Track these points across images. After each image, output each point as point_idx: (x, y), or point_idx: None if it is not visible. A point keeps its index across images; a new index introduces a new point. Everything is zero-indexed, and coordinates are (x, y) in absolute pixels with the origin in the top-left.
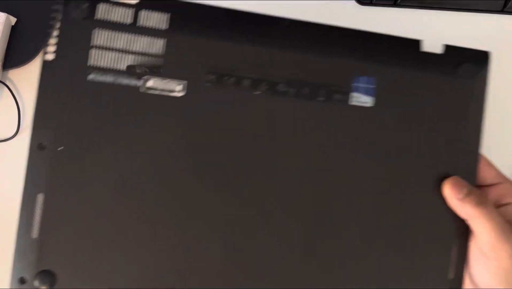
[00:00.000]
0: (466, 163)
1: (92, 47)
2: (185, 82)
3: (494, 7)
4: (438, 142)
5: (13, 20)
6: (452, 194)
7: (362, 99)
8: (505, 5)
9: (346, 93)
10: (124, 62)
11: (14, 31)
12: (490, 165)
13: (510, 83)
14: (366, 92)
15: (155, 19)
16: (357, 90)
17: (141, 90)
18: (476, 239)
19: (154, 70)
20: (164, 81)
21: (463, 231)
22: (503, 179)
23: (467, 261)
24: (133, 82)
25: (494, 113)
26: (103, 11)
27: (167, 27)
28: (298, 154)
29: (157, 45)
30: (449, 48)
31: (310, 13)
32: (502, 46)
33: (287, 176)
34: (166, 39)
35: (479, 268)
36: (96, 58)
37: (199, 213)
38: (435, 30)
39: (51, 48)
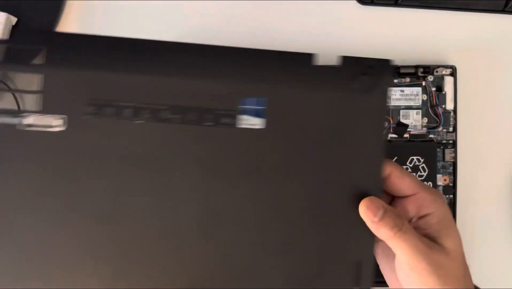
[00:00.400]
0: (371, 177)
1: None
2: (65, 116)
3: (494, 7)
4: (337, 159)
5: (13, 20)
6: (367, 217)
7: (251, 122)
8: (506, 5)
9: (234, 116)
10: (2, 101)
11: (15, 31)
12: (403, 175)
13: (510, 83)
14: (255, 114)
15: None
16: (246, 112)
17: (20, 128)
18: (396, 259)
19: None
20: (43, 117)
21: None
22: (419, 188)
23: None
24: (11, 120)
25: (494, 113)
26: None
27: (44, 61)
28: (187, 182)
29: (34, 81)
30: (345, 60)
31: (310, 13)
32: (502, 46)
33: (178, 204)
34: (43, 74)
35: (405, 284)
36: None
37: (83, 246)
38: (436, 30)
39: None
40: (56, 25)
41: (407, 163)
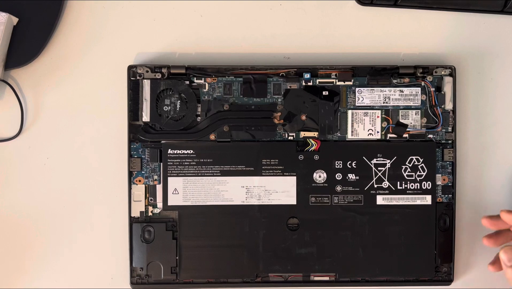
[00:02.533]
0: None
1: None
2: None
3: (494, 7)
4: None
5: (15, 20)
6: (503, 259)
7: None
8: (505, 5)
9: None
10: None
11: (16, 31)
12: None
13: (510, 83)
14: None
15: None
16: None
17: None
18: None
19: None
20: None
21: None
22: None
23: None
24: None
25: (494, 113)
26: None
27: None
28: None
29: None
30: None
31: (310, 12)
32: (502, 46)
33: None
34: None
35: None
36: None
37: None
38: (435, 30)
39: None
40: (57, 25)
41: (406, 163)
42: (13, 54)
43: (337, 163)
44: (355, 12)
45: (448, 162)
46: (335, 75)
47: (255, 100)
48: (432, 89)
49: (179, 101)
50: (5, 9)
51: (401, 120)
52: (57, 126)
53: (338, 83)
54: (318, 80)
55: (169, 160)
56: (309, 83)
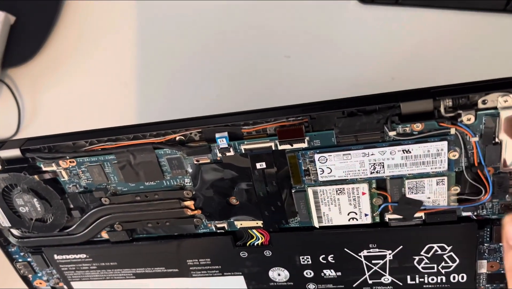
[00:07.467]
0: None
1: None
2: None
3: (496, 6)
4: None
5: (12, 19)
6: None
7: None
8: (507, 4)
9: None
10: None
11: (13, 30)
12: None
13: None
14: None
15: None
16: None
17: None
18: None
19: None
20: None
21: None
22: None
23: None
24: None
25: None
26: None
27: None
28: None
29: None
30: None
31: (312, 12)
32: (503, 46)
33: None
34: None
35: None
36: None
37: None
38: (437, 29)
39: None
40: (54, 24)
41: (422, 252)
42: (10, 53)
43: (303, 258)
44: (356, 10)
45: (502, 244)
46: (274, 130)
47: (148, 185)
48: (474, 139)
49: (35, 199)
50: (2, 8)
51: (409, 196)
52: (54, 126)
53: (281, 147)
54: (243, 147)
55: (62, 266)
56: (228, 153)
